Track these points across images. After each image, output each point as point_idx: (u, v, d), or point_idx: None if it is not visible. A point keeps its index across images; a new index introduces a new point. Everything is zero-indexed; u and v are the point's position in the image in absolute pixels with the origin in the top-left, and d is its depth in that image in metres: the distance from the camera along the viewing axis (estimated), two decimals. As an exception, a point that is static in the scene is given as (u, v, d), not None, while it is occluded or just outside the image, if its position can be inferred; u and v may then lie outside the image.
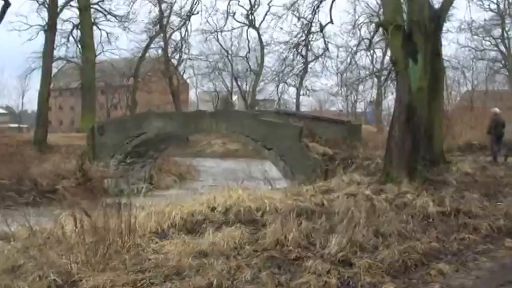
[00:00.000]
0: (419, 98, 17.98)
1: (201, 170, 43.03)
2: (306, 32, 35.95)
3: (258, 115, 30.61)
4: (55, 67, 57.93)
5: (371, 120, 70.27)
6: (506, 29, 63.86)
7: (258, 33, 65.34)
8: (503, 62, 65.55)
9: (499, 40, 64.97)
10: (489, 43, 65.79)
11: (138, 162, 33.22)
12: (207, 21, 70.61)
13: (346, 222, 11.11)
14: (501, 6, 61.11)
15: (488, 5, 61.17)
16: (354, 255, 9.90)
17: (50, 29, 42.66)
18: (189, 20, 54.27)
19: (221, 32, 63.92)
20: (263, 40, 65.67)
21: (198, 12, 51.99)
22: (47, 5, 47.15)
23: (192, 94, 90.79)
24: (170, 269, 8.93)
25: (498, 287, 9.28)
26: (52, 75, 45.60)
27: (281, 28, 76.79)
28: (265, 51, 66.53)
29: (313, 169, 23.91)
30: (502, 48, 65.18)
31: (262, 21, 63.91)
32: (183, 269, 8.98)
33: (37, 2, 52.08)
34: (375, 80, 64.95)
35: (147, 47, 62.93)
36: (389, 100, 68.47)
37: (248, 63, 70.82)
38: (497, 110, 26.47)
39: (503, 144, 24.78)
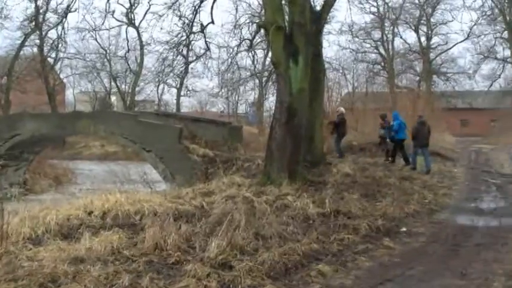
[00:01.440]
0: (300, 100, 18.06)
1: (78, 173, 41.93)
2: (187, 31, 35.60)
3: (137, 116, 30.00)
4: None
5: (253, 122, 70.62)
6: (386, 31, 65.82)
7: (138, 33, 64.38)
8: (382, 64, 67.48)
9: (379, 43, 66.84)
10: (369, 45, 67.57)
11: (11, 165, 31.84)
12: (85, 19, 69.02)
13: (226, 224, 10.93)
14: (381, 9, 63.00)
15: (369, 8, 62.88)
16: (234, 258, 9.79)
17: None
18: (66, 17, 52.59)
19: (99, 30, 62.49)
20: (143, 39, 64.87)
21: (75, 10, 50.32)
22: None
23: (69, 94, 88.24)
24: (45, 276, 8.47)
25: (377, 286, 9.36)
26: None
27: (161, 28, 76.25)
28: (145, 51, 65.74)
29: (193, 171, 23.65)
30: (382, 50, 67.10)
31: (142, 20, 63.08)
32: (58, 276, 8.54)
33: None
34: (257, 81, 65.42)
35: (22, 45, 60.65)
36: (271, 101, 68.97)
37: (127, 63, 69.54)
38: (342, 109, 27.44)
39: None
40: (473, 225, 14.52)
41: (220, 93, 70.01)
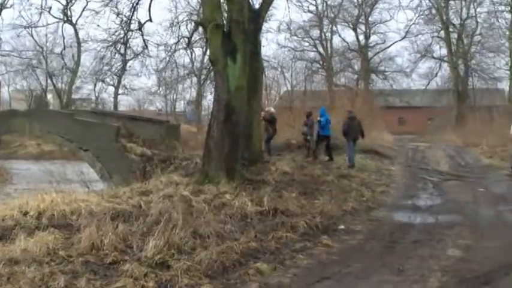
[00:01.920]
0: (238, 98, 18.01)
1: (14, 173, 41.10)
2: (124, 29, 35.16)
3: (74, 115, 29.60)
4: None
5: (191, 120, 70.24)
6: (324, 30, 66.27)
7: (75, 30, 63.37)
8: (321, 62, 67.89)
9: (318, 41, 67.22)
10: (308, 44, 67.87)
11: None
12: (21, 15, 67.39)
13: (163, 224, 10.83)
14: (319, 8, 63.37)
15: (307, 7, 63.20)
16: (172, 258, 9.72)
17: None
18: (1, 13, 51.66)
19: (36, 27, 61.33)
20: (80, 37, 63.95)
21: (11, 6, 49.55)
22: None
23: (4, 92, 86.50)
24: (-22, 278, 8.27)
25: (315, 283, 9.37)
26: None
27: (98, 25, 75.23)
28: (82, 48, 64.88)
29: (130, 170, 23.39)
30: (321, 49, 67.50)
31: (79, 17, 62.09)
32: (-8, 277, 8.33)
33: None
34: (195, 79, 65.20)
35: (-46, 42, 59.43)
36: (209, 100, 68.73)
37: (64, 61, 68.44)
38: (272, 109, 27.75)
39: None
40: (410, 222, 14.70)
41: (158, 91, 69.64)
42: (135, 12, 32.64)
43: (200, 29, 31.73)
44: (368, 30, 68.12)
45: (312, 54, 68.50)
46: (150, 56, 49.83)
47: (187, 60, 60.73)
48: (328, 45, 67.37)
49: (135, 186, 17.58)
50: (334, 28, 67.10)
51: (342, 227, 13.73)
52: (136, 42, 53.37)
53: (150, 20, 31.90)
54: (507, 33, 55.68)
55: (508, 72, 57.48)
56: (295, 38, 65.63)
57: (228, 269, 9.76)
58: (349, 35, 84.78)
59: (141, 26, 33.64)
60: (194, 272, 9.26)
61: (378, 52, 68.96)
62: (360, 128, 25.02)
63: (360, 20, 67.62)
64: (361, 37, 68.22)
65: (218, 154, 17.45)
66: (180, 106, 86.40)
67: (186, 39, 43.71)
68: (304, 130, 26.23)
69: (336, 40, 69.29)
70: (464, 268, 10.22)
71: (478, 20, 59.70)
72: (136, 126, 29.14)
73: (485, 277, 9.61)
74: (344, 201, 16.40)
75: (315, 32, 66.93)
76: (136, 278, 8.69)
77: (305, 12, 63.33)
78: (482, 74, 61.51)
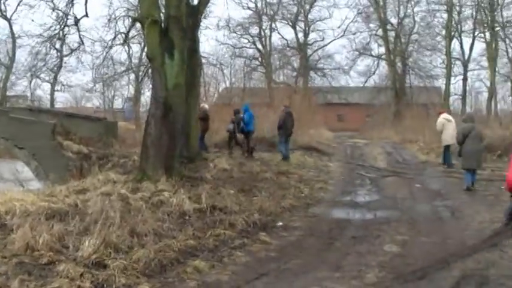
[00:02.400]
0: (175, 95, 17.88)
1: None
2: (61, 24, 34.64)
3: (9, 112, 28.91)
4: None
5: (129, 117, 69.53)
6: (263, 27, 66.36)
7: (10, 25, 62.03)
8: (260, 59, 67.97)
9: (257, 38, 67.29)
10: (247, 41, 67.86)
11: None
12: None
13: (100, 222, 10.67)
14: (259, 5, 63.46)
15: (246, 4, 63.14)
16: (108, 257, 9.60)
17: None
18: None
19: (-33, 22, 59.89)
20: (15, 32, 62.67)
21: None
22: None
23: None
24: None
25: (253, 281, 9.38)
26: None
27: (32, 20, 73.89)
28: (17, 44, 63.60)
29: (67, 168, 23.02)
30: (260, 46, 67.60)
31: (14, 12, 60.73)
32: None
33: None
34: (133, 75, 64.57)
35: None
36: (148, 97, 68.22)
37: (-3, 57, 66.97)
38: (206, 106, 28.16)
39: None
40: (348, 218, 14.82)
41: (95, 88, 68.71)
42: (72, 7, 32.22)
43: (138, 25, 31.45)
44: (307, 28, 68.49)
45: (251, 51, 68.55)
46: (86, 52, 49.19)
47: (124, 56, 60.17)
48: (267, 42, 67.55)
49: (71, 185, 17.25)
50: (273, 25, 67.32)
51: (281, 223, 13.79)
52: (72, 38, 52.66)
53: (87, 15, 31.49)
54: (443, 32, 56.74)
55: (444, 70, 58.58)
56: (234, 35, 65.61)
57: (165, 268, 9.71)
58: (288, 33, 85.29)
59: (77, 21, 33.21)
60: (131, 271, 9.19)
61: (317, 50, 69.43)
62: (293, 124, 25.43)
63: (299, 18, 67.93)
64: (300, 35, 68.59)
65: (156, 151, 17.29)
66: (118, 103, 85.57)
67: (123, 35, 43.28)
68: (228, 128, 26.27)
69: (275, 37, 69.58)
70: (401, 263, 10.37)
71: (416, 19, 60.70)
72: (73, 124, 28.68)
73: (421, 272, 9.75)
74: (282, 198, 16.46)
75: (254, 29, 67.06)
76: (72, 279, 8.57)
77: (244, 9, 63.59)
78: (419, 72, 62.45)
